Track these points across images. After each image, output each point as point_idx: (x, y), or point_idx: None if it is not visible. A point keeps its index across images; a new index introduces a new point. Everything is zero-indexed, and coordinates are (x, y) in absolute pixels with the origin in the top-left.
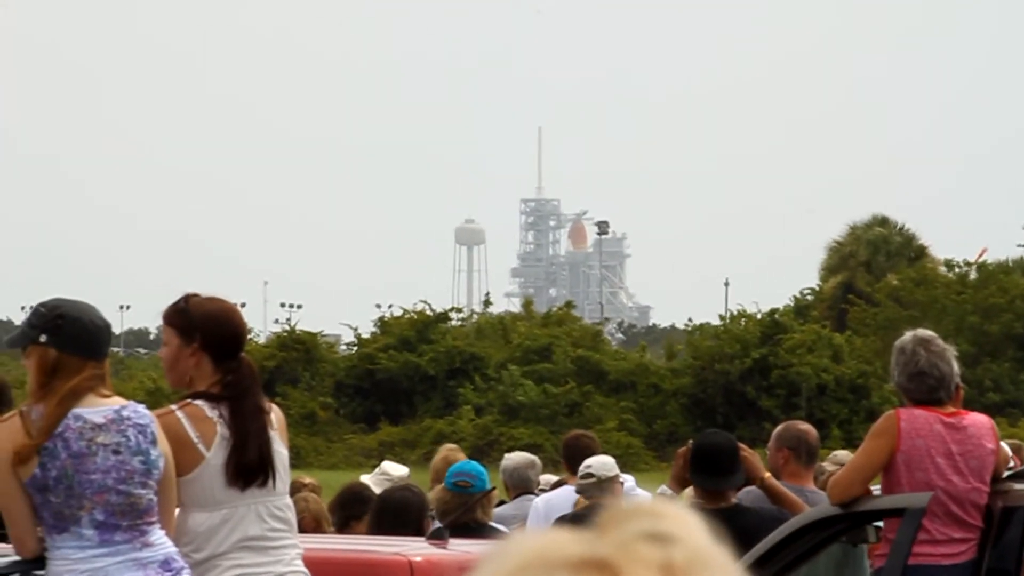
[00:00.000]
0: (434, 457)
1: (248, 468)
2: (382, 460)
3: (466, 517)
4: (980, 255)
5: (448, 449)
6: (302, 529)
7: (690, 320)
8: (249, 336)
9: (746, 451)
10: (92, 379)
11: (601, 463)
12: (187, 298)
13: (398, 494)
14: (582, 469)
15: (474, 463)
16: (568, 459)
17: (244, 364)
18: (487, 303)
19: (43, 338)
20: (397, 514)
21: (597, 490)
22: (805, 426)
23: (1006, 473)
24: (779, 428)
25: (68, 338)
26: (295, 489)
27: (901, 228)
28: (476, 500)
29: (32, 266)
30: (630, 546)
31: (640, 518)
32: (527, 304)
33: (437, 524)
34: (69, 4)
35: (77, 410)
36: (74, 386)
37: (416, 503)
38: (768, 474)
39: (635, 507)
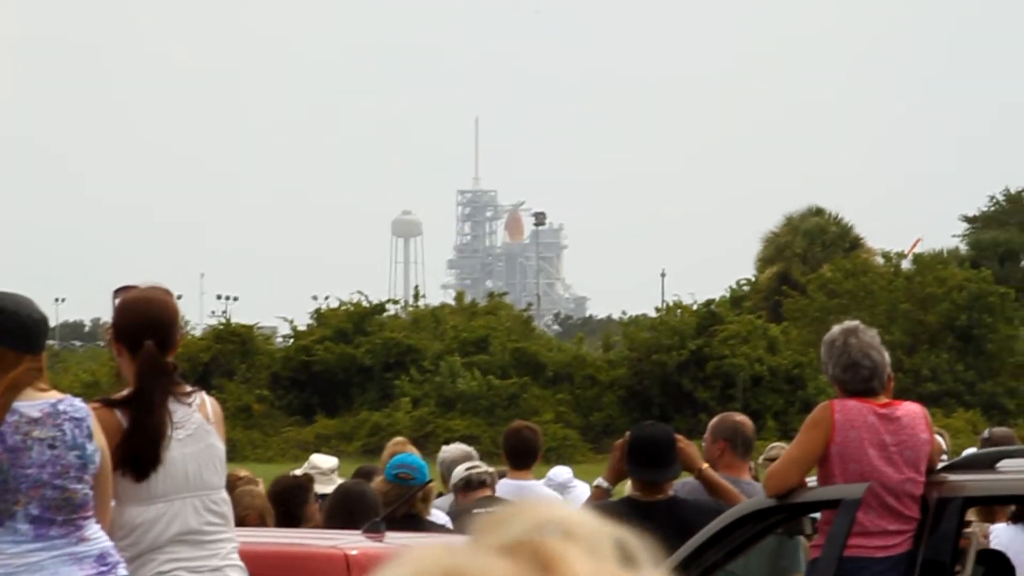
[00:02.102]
0: (384, 450)
1: (134, 462)
2: (317, 452)
3: (404, 510)
4: (914, 246)
5: (397, 443)
6: (247, 524)
7: (624, 312)
8: (184, 328)
9: (683, 442)
10: (30, 372)
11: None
12: (119, 290)
13: (356, 487)
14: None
15: (414, 456)
16: (510, 451)
17: (149, 356)
18: (417, 295)
19: None
20: (354, 507)
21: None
22: (741, 417)
23: (940, 464)
24: (715, 420)
25: (5, 331)
26: (230, 483)
27: (837, 219)
28: (414, 493)
29: None
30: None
31: (524, 517)
32: (459, 296)
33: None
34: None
35: (14, 403)
36: (13, 379)
37: (373, 496)
38: (706, 465)
39: (516, 508)
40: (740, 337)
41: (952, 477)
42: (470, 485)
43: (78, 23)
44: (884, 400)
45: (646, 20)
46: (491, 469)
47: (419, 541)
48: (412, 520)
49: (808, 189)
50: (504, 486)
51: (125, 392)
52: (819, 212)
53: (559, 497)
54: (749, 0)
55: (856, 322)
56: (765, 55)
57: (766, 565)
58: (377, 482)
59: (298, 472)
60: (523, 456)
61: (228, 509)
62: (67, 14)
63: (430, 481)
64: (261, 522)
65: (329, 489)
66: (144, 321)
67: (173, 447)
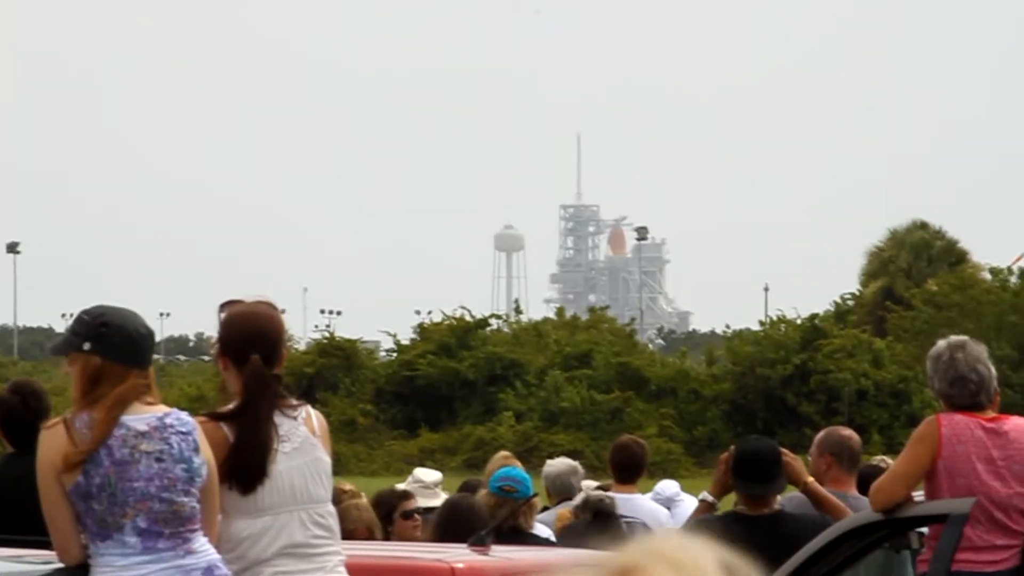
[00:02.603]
0: (489, 464)
1: (241, 474)
2: (421, 467)
3: (510, 523)
4: (1017, 260)
5: (504, 456)
6: (355, 537)
7: (728, 327)
8: (275, 338)
9: (788, 456)
10: (137, 387)
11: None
12: (225, 304)
13: (464, 501)
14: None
15: (518, 469)
16: (617, 465)
17: (252, 367)
18: (518, 310)
19: (87, 346)
20: (461, 520)
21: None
22: (847, 432)
23: None
24: (821, 434)
25: (112, 346)
26: (336, 497)
27: (941, 233)
28: (519, 506)
29: (72, 274)
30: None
31: (655, 553)
32: (560, 311)
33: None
34: (67, 13)
35: (121, 417)
36: (121, 394)
37: (481, 509)
38: (811, 479)
39: (650, 544)
40: (845, 351)
41: None
42: (587, 507)
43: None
44: (991, 414)
45: (745, 27)
46: (613, 495)
47: (522, 554)
48: (516, 533)
49: (912, 202)
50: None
51: (231, 406)
52: (923, 226)
53: (665, 511)
54: (852, 2)
55: (963, 336)
56: (869, 64)
57: None
58: (481, 495)
59: (401, 486)
60: (630, 470)
61: (334, 522)
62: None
63: (535, 495)
64: (370, 535)
65: (433, 503)
66: (251, 335)
67: (279, 460)
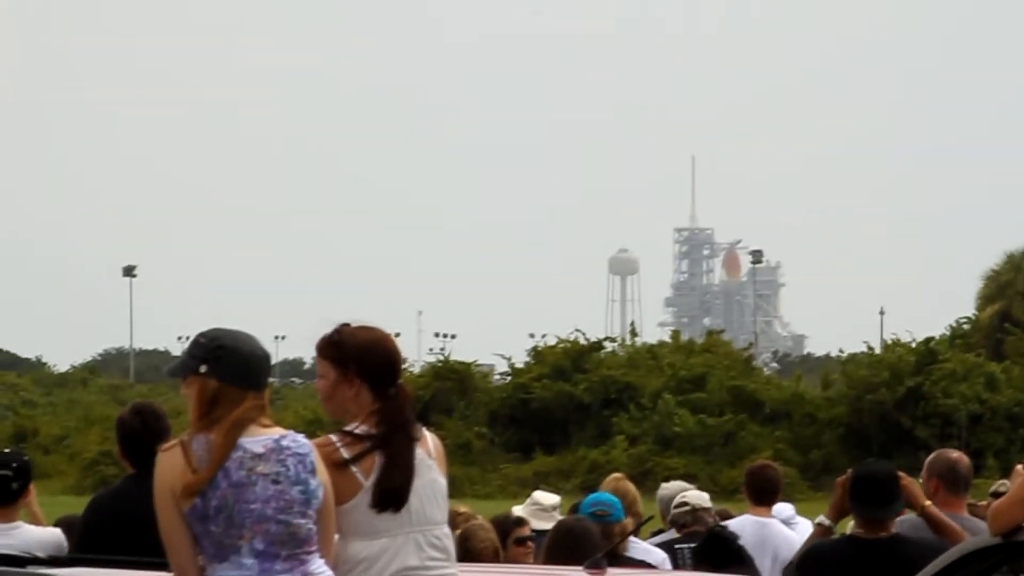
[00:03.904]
0: (602, 486)
1: (393, 494)
2: (536, 490)
3: (616, 546)
4: None
5: (616, 478)
6: (483, 559)
7: (841, 351)
8: (404, 364)
9: (906, 479)
10: (254, 409)
11: (697, 496)
12: (339, 329)
13: (579, 524)
14: (677, 499)
15: (608, 494)
16: (752, 489)
17: (401, 392)
18: (633, 333)
19: (203, 368)
20: (575, 544)
21: (691, 518)
22: (956, 454)
23: None
24: (930, 457)
25: (228, 369)
26: (452, 519)
27: None
28: (634, 530)
29: (189, 296)
30: None
31: None
32: (675, 334)
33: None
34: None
35: (238, 440)
36: (238, 417)
37: (594, 532)
38: (929, 503)
39: None
40: (958, 375)
41: None
42: (676, 524)
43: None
44: None
45: (853, 49)
46: (705, 504)
47: None
48: (612, 558)
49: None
50: (744, 522)
51: (366, 427)
52: None
53: (796, 536)
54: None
55: None
56: (988, 88)
57: None
58: None
59: (520, 508)
60: (767, 493)
61: (450, 544)
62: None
63: (636, 520)
64: (496, 557)
65: (548, 526)
66: (387, 359)
67: None
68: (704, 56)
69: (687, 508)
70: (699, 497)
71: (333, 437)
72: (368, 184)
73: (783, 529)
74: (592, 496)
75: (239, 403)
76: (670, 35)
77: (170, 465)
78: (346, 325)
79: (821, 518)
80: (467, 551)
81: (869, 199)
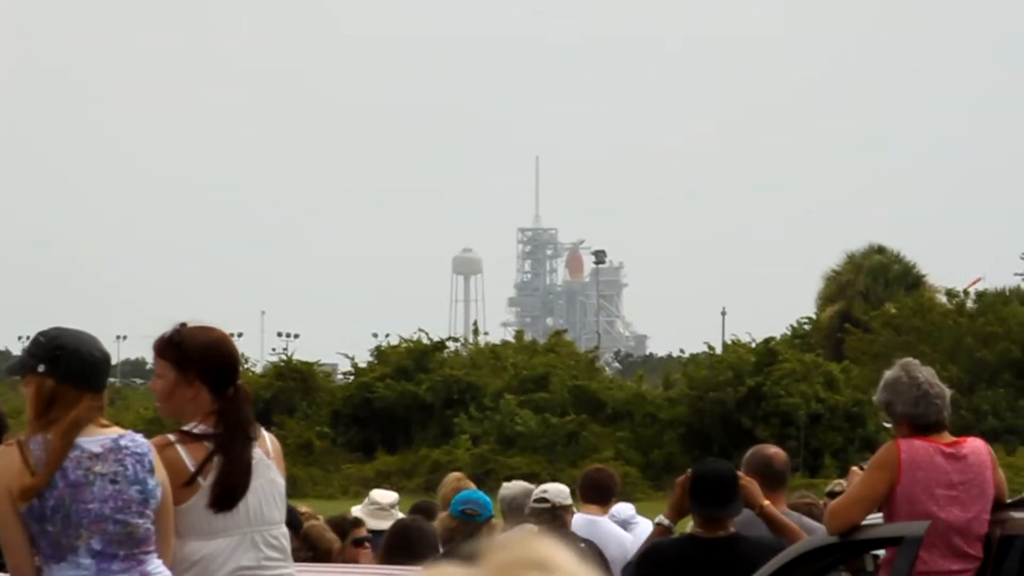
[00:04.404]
0: (441, 486)
1: (230, 493)
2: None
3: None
4: (973, 283)
5: (456, 478)
6: (331, 559)
7: (682, 351)
8: (246, 365)
9: (744, 479)
10: (91, 410)
11: (558, 491)
12: (179, 330)
13: (415, 524)
14: (537, 493)
15: (479, 492)
16: (586, 491)
17: (239, 392)
18: (476, 332)
19: (41, 368)
20: (411, 544)
21: (550, 516)
22: (773, 450)
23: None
24: (747, 454)
25: (66, 369)
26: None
27: (899, 257)
28: (479, 529)
29: (28, 294)
30: (512, 574)
31: (520, 551)
32: (519, 334)
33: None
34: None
35: (75, 440)
36: (75, 418)
37: (431, 533)
38: (767, 502)
39: (514, 540)
40: (797, 375)
41: (1016, 515)
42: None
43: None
44: (949, 439)
45: (704, 58)
46: (565, 502)
47: None
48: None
49: (869, 226)
50: (576, 520)
51: (204, 427)
52: (881, 250)
53: (628, 535)
54: (806, 29)
55: (913, 359)
56: (827, 91)
57: None
58: (442, 518)
59: (358, 507)
60: (599, 492)
61: (287, 543)
62: None
63: (492, 518)
64: (342, 557)
65: (386, 525)
66: (228, 361)
67: None
68: (550, 58)
69: (546, 505)
70: (559, 493)
71: (171, 437)
72: (215, 186)
73: (614, 528)
74: (463, 494)
75: (76, 403)
76: (520, 35)
77: (7, 465)
78: (183, 325)
79: (660, 518)
80: (313, 550)
81: (711, 201)
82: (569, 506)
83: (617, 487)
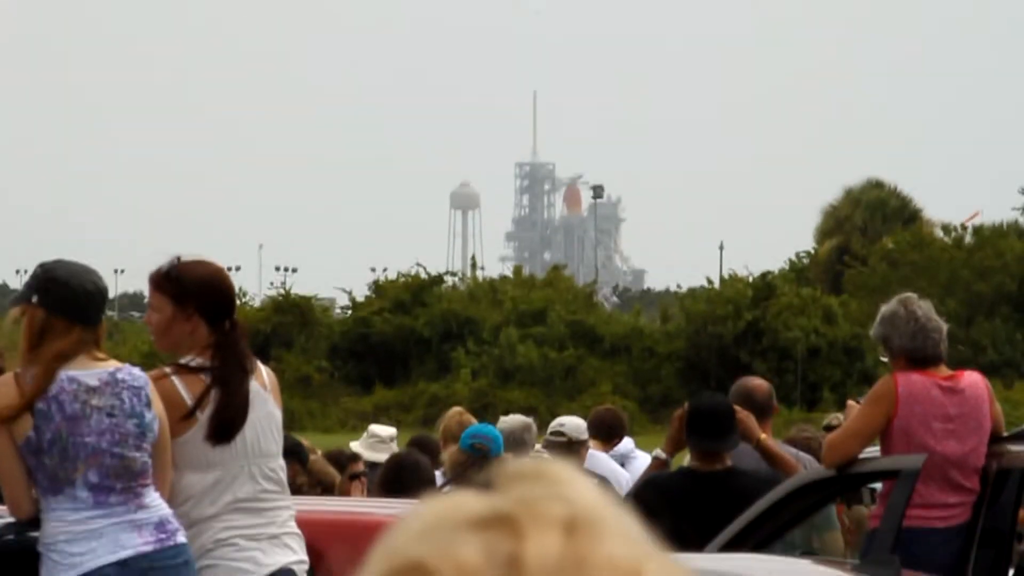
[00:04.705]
0: (443, 420)
1: (227, 426)
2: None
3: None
4: (971, 218)
5: (458, 412)
6: (333, 491)
7: (679, 285)
8: (244, 299)
9: (741, 413)
10: (81, 343)
11: (575, 425)
12: (175, 263)
13: (409, 457)
14: (553, 426)
15: (490, 426)
16: (596, 430)
17: (236, 326)
18: (474, 266)
19: (34, 299)
20: (406, 477)
21: (565, 450)
22: (756, 381)
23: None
24: (733, 386)
25: (56, 300)
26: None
27: (896, 191)
28: (490, 463)
29: (31, 230)
30: (532, 503)
31: (538, 478)
32: (517, 269)
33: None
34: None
35: (71, 372)
36: (61, 349)
37: (427, 466)
38: (764, 435)
39: (531, 467)
40: (795, 309)
41: (1013, 448)
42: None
43: None
44: (946, 372)
45: None
46: (582, 436)
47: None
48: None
49: (867, 161)
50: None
51: (201, 360)
52: (879, 185)
53: (623, 469)
54: None
55: (911, 293)
56: (825, 23)
57: (803, 530)
58: (452, 451)
59: (356, 442)
60: (608, 429)
61: (284, 476)
62: None
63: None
64: (339, 492)
65: (384, 458)
66: (228, 294)
67: None
68: None
69: (563, 439)
70: (576, 427)
71: (168, 370)
72: (210, 116)
73: (611, 463)
74: (473, 427)
75: (65, 336)
76: None
77: (2, 393)
78: (180, 258)
79: (658, 451)
80: (320, 485)
81: (710, 134)
82: (585, 441)
83: (624, 428)
